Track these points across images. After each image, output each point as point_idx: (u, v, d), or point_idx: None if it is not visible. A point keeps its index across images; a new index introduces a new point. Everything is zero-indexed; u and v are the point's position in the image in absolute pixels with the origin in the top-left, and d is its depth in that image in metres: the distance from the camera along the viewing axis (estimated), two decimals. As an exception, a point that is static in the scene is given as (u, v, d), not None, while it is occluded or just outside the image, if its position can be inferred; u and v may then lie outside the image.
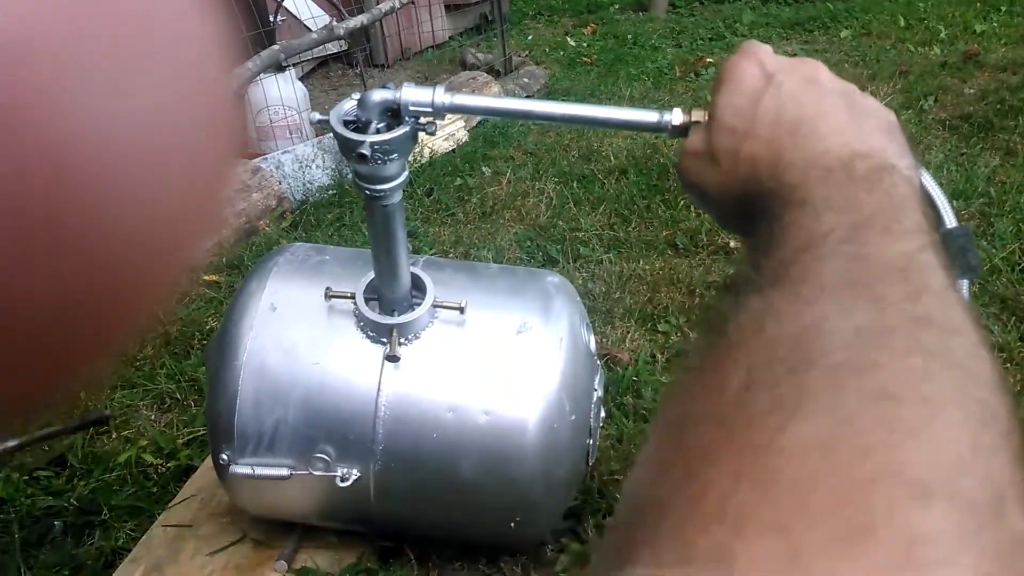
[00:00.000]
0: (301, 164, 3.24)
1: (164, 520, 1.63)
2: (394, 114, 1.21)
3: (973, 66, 4.05)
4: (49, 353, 0.19)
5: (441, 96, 1.21)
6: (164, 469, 1.81)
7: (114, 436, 1.91)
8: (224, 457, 1.36)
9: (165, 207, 0.20)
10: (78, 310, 0.19)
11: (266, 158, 3.18)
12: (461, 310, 1.37)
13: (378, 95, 1.21)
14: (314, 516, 1.48)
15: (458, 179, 3.25)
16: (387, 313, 1.36)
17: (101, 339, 0.21)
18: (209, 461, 1.78)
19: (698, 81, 4.47)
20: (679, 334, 2.13)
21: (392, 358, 1.33)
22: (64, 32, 0.17)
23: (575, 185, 3.11)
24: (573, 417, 1.38)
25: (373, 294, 1.38)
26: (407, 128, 1.20)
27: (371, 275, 1.39)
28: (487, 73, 4.54)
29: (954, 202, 2.62)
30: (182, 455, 1.83)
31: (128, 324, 0.21)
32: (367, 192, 1.23)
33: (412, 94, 1.20)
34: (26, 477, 1.81)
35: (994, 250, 2.33)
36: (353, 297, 1.38)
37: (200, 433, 1.91)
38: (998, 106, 3.45)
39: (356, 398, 1.34)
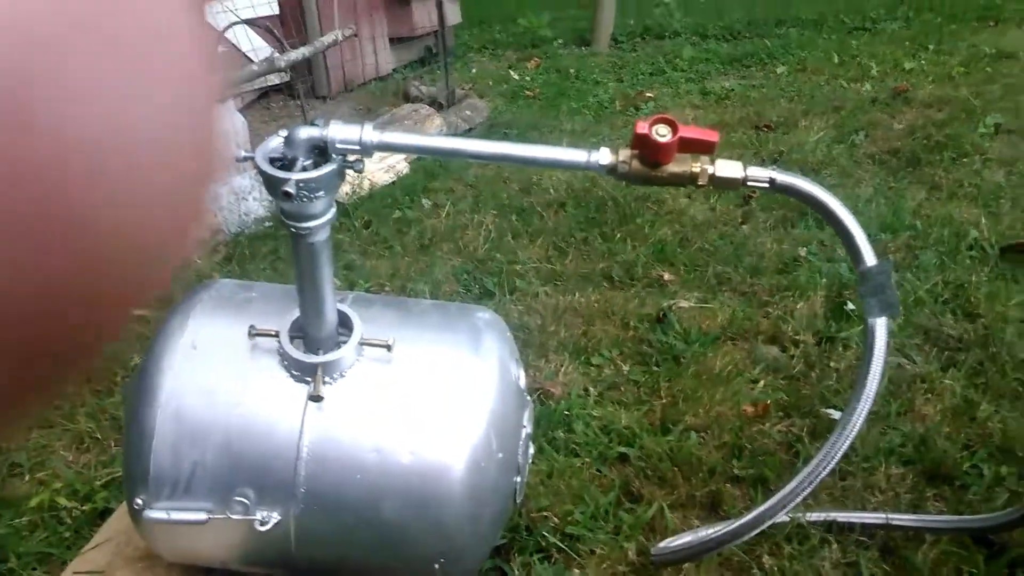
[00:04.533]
0: (238, 196, 3.20)
1: (76, 567, 1.58)
2: (321, 152, 1.20)
3: (902, 102, 4.19)
4: (32, 348, 0.19)
5: (369, 134, 1.20)
6: (79, 512, 1.75)
7: (27, 479, 1.85)
8: (139, 501, 1.32)
9: (153, 210, 0.21)
10: (60, 308, 0.19)
11: (201, 190, 3.13)
12: (388, 347, 1.36)
13: (304, 132, 1.20)
14: (234, 561, 1.44)
15: (397, 211, 3.24)
16: (312, 352, 1.34)
17: (84, 337, 0.21)
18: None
19: (638, 115, 4.54)
20: (612, 367, 2.14)
21: (315, 398, 1.31)
22: (65, 32, 0.18)
23: (514, 218, 3.12)
24: (500, 455, 1.37)
25: (299, 332, 1.37)
26: (334, 166, 1.19)
27: (297, 313, 1.38)
28: (430, 106, 4.55)
29: (882, 235, 2.69)
30: (99, 497, 1.77)
31: (108, 327, 0.22)
32: (292, 229, 1.22)
33: (339, 132, 1.20)
34: (-68, 524, 1.74)
35: (918, 282, 2.39)
36: (277, 335, 1.36)
37: (119, 474, 1.85)
38: (924, 141, 3.56)
39: (278, 439, 1.32)
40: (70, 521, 1.72)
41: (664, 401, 1.98)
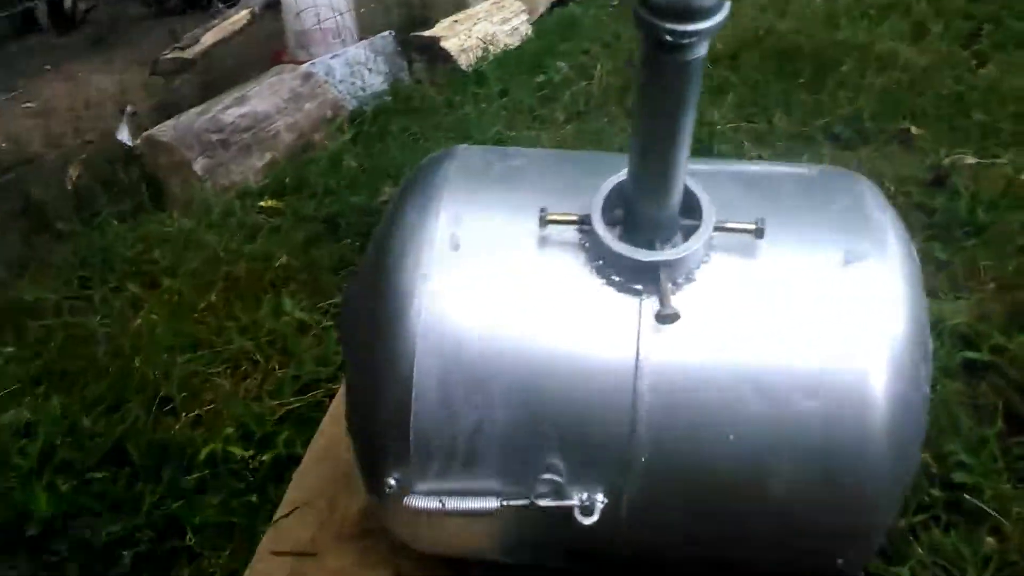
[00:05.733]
0: (353, 69, 2.74)
1: (272, 543, 1.17)
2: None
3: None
4: None
5: None
6: (258, 463, 1.34)
7: (182, 417, 1.44)
8: (392, 482, 0.88)
9: None
10: None
11: (315, 63, 2.70)
12: (758, 233, 0.87)
13: None
14: (520, 557, 1.00)
15: (540, 75, 2.72)
16: (643, 245, 0.86)
17: None
18: (315, 446, 1.34)
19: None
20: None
21: (667, 317, 0.83)
22: None
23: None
24: (926, 390, 0.90)
25: (617, 217, 0.89)
26: None
27: (606, 189, 0.90)
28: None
29: None
30: (279, 440, 1.38)
31: None
32: (667, 37, 0.71)
33: None
34: (75, 482, 1.34)
35: None
36: (584, 222, 0.88)
37: (294, 405, 1.46)
38: None
39: (601, 382, 0.86)
40: (251, 477, 1.33)
41: (993, 286, 1.49)
